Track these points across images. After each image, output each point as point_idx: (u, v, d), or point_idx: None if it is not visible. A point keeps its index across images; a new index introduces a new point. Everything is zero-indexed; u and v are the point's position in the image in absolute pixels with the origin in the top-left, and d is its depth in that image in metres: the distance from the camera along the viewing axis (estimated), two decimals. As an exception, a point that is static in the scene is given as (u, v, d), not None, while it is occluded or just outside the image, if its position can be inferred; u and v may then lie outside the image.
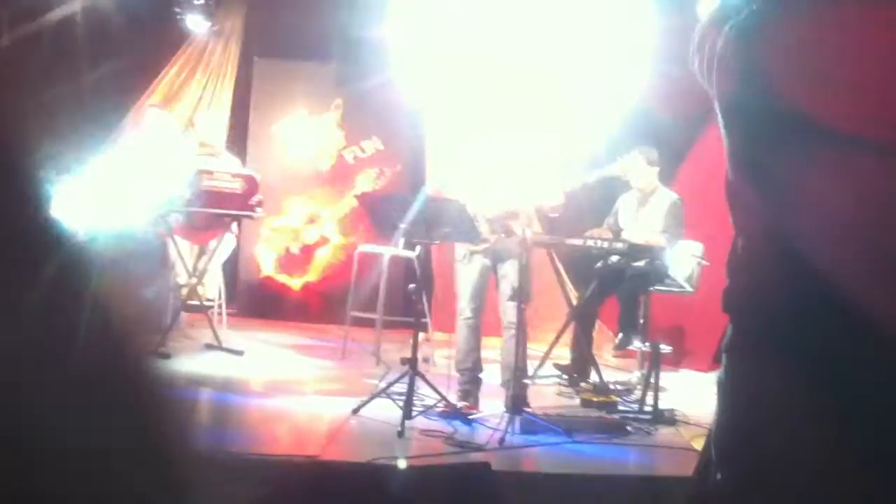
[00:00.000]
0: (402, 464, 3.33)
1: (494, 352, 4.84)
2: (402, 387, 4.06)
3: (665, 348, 5.13)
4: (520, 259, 4.18)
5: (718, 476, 1.25)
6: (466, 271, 4.43)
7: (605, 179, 4.62)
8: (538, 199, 4.41)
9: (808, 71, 1.14)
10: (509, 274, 4.37)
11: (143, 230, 5.99)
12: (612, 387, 5.13)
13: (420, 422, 3.99)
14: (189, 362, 5.29)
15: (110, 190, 6.61)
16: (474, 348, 4.45)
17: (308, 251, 8.03)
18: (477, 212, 4.36)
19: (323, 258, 8.01)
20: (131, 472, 0.62)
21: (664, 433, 4.24)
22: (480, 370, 4.48)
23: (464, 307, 4.45)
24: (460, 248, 4.45)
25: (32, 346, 0.57)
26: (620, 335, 5.55)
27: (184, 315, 6.30)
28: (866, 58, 1.11)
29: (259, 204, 5.70)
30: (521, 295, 4.20)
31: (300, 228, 8.02)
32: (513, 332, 4.29)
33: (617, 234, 5.58)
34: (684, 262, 5.58)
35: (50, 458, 0.56)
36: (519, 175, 4.39)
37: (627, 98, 6.27)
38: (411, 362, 4.07)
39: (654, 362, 4.58)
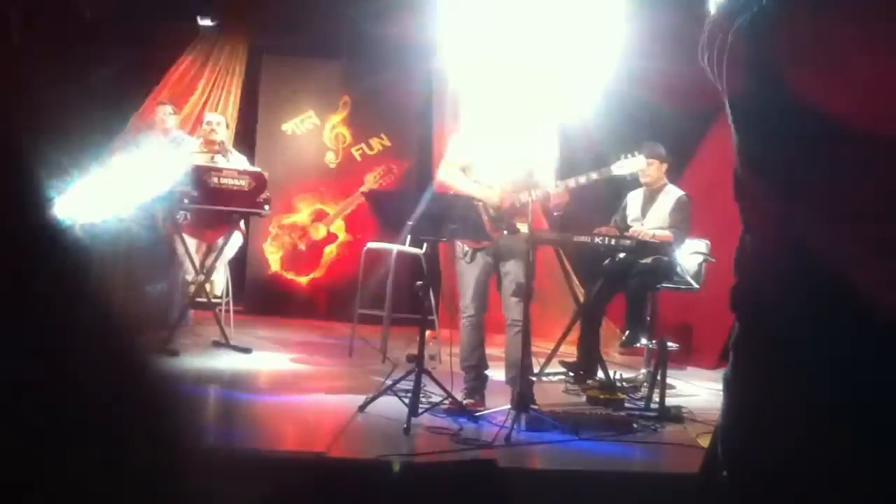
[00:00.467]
0: (395, 467, 3.31)
1: (501, 349, 4.84)
2: (408, 384, 4.07)
3: (672, 346, 5.13)
4: (526, 256, 4.18)
5: (724, 473, 1.25)
6: (469, 269, 4.43)
7: (609, 178, 4.59)
8: (542, 194, 4.40)
9: (820, 67, 1.14)
10: (512, 271, 4.36)
11: (145, 226, 6.01)
12: (618, 384, 5.13)
13: (426, 419, 4.00)
14: (196, 360, 5.30)
15: (114, 186, 6.62)
16: (478, 345, 4.45)
17: (316, 248, 8.04)
18: (481, 209, 4.36)
19: (330, 255, 8.03)
20: (139, 471, 0.62)
21: (671, 431, 4.24)
22: (486, 367, 4.48)
23: (467, 305, 4.44)
24: (462, 246, 4.44)
25: (33, 344, 0.57)
26: (627, 332, 5.55)
27: (191, 312, 6.33)
28: (878, 53, 1.10)
29: (267, 201, 5.70)
30: (529, 292, 4.19)
31: (308, 225, 8.04)
32: (516, 329, 4.28)
33: (624, 230, 5.57)
34: (691, 259, 5.57)
35: (53, 459, 0.56)
36: (521, 172, 4.38)
37: (634, 94, 6.25)
38: (418, 359, 4.07)
39: (661, 360, 4.58)
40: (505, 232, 4.37)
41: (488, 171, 4.44)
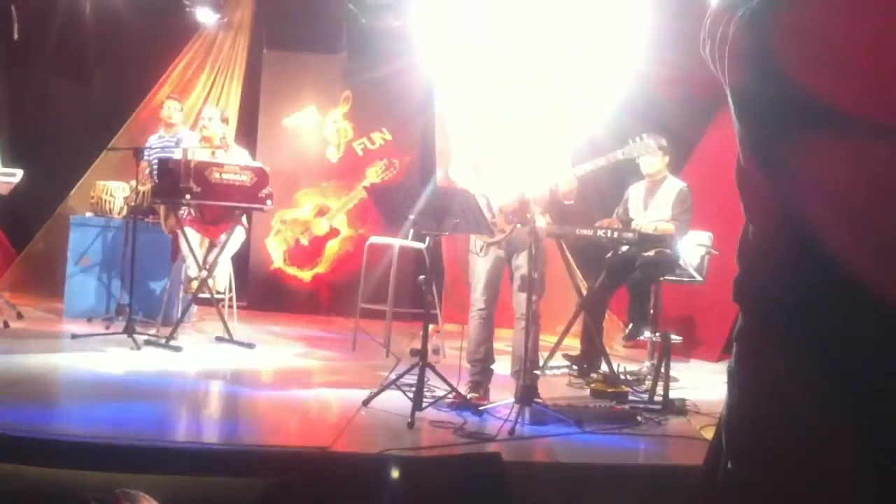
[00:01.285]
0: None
1: (505, 343, 4.84)
2: (412, 378, 4.07)
3: (675, 338, 5.12)
4: (531, 249, 4.16)
5: (729, 465, 1.24)
6: (481, 263, 4.41)
7: (616, 163, 4.54)
8: (552, 184, 4.38)
9: (822, 57, 1.13)
10: (523, 265, 4.34)
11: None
12: (622, 377, 5.12)
13: (430, 413, 4.00)
14: (200, 355, 5.31)
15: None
16: (486, 339, 4.44)
17: (318, 243, 8.04)
18: (492, 203, 4.34)
19: (333, 250, 8.02)
20: None
21: (674, 423, 4.24)
22: (492, 361, 4.47)
23: (477, 298, 4.43)
24: (476, 240, 4.43)
25: None
26: (630, 325, 5.54)
27: (194, 308, 6.34)
28: (880, 44, 1.09)
29: (269, 196, 5.70)
30: (532, 285, 4.18)
31: (310, 220, 8.03)
32: (524, 323, 4.27)
33: (626, 223, 5.56)
34: (695, 251, 5.56)
35: None
36: (530, 163, 4.36)
37: (636, 86, 6.23)
38: (421, 353, 4.07)
39: (665, 352, 4.57)
40: (518, 225, 4.34)
41: (498, 167, 4.41)
